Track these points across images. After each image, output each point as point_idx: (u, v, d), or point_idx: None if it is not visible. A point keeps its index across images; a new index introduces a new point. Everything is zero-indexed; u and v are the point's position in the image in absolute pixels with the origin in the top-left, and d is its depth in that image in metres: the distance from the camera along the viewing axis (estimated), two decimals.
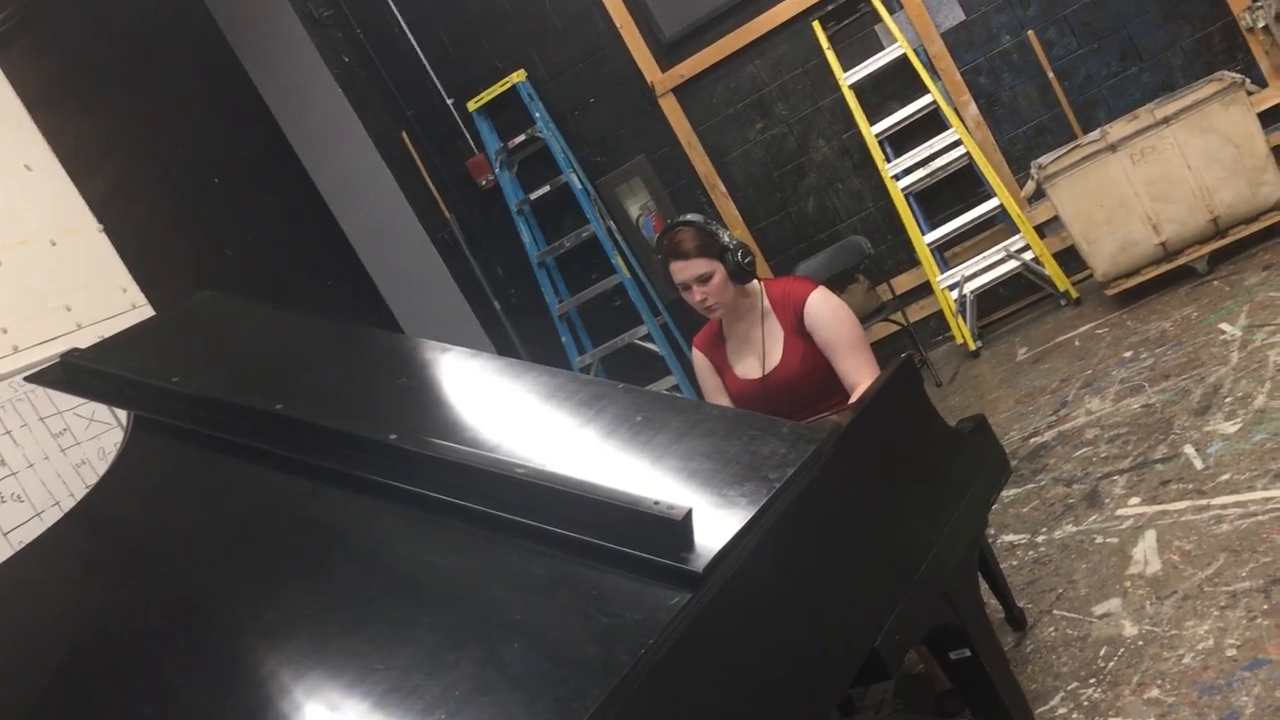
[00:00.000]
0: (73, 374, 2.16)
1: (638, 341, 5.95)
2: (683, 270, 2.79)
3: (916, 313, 5.87)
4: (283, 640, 1.53)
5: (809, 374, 2.81)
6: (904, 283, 5.86)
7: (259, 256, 6.44)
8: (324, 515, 1.82)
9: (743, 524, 1.69)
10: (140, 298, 3.80)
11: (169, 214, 6.44)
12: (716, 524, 1.70)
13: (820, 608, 1.83)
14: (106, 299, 3.66)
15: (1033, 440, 4.16)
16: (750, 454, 1.87)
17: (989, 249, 5.62)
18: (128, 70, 6.15)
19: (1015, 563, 3.37)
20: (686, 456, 1.88)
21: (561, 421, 2.00)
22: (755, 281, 2.89)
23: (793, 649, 1.72)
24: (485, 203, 6.28)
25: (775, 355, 2.85)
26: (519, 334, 6.27)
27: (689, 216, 2.85)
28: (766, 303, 2.88)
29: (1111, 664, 2.66)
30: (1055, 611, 3.00)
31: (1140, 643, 2.68)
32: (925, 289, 5.80)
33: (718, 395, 2.98)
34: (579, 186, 5.95)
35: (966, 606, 2.12)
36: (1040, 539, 3.43)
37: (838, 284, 5.67)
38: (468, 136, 6.23)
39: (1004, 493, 3.87)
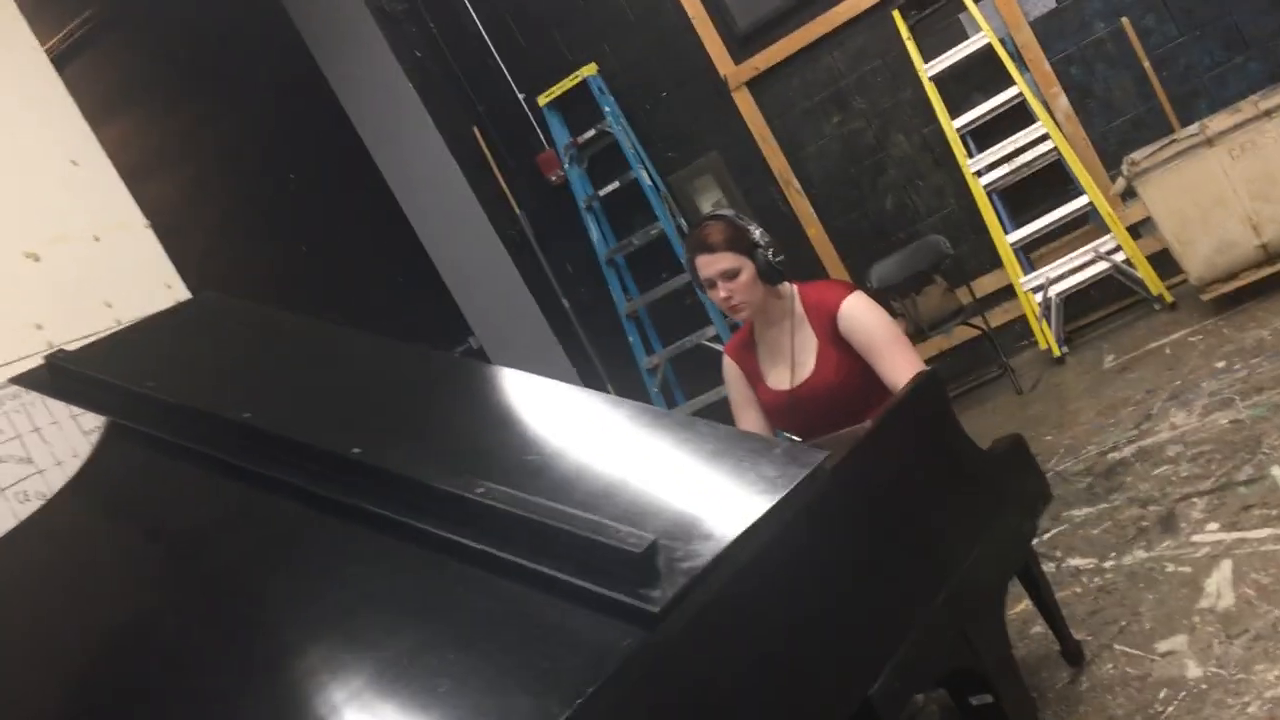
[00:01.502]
0: (56, 376, 2.10)
1: (705, 343, 5.78)
2: (708, 265, 2.62)
3: (1000, 316, 5.58)
4: (196, 681, 1.43)
5: (845, 385, 2.62)
6: (985, 285, 5.58)
7: (331, 252, 6.46)
8: (272, 534, 1.71)
9: (712, 557, 1.53)
10: (185, 295, 3.77)
11: (245, 210, 6.50)
12: (684, 556, 1.54)
13: (803, 650, 1.66)
14: (149, 296, 3.63)
15: (1110, 456, 3.89)
16: (736, 478, 1.71)
17: (1077, 250, 5.31)
18: (204, 67, 6.21)
19: (1079, 590, 3.13)
20: (666, 479, 1.72)
21: (542, 438, 1.87)
22: (788, 285, 2.71)
23: (767, 697, 1.55)
24: (555, 199, 6.18)
25: (808, 365, 2.66)
26: (588, 333, 6.15)
27: (719, 211, 2.69)
28: (799, 308, 2.70)
29: (1170, 709, 2.43)
30: (1116, 646, 2.76)
31: (1204, 686, 2.44)
32: (1008, 292, 5.51)
33: (747, 406, 2.81)
34: (648, 183, 5.81)
35: (988, 648, 1.92)
36: (1109, 565, 3.18)
37: (914, 285, 5.43)
38: (538, 131, 6.13)
39: (1075, 512, 3.63)
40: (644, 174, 5.81)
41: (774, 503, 1.64)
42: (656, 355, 5.99)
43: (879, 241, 5.77)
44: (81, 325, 3.38)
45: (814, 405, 2.65)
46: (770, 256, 2.59)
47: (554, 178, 6.08)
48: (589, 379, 6.09)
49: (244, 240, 6.55)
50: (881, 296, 5.54)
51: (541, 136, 6.14)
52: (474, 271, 6.05)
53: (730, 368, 2.84)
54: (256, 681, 1.41)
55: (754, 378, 2.78)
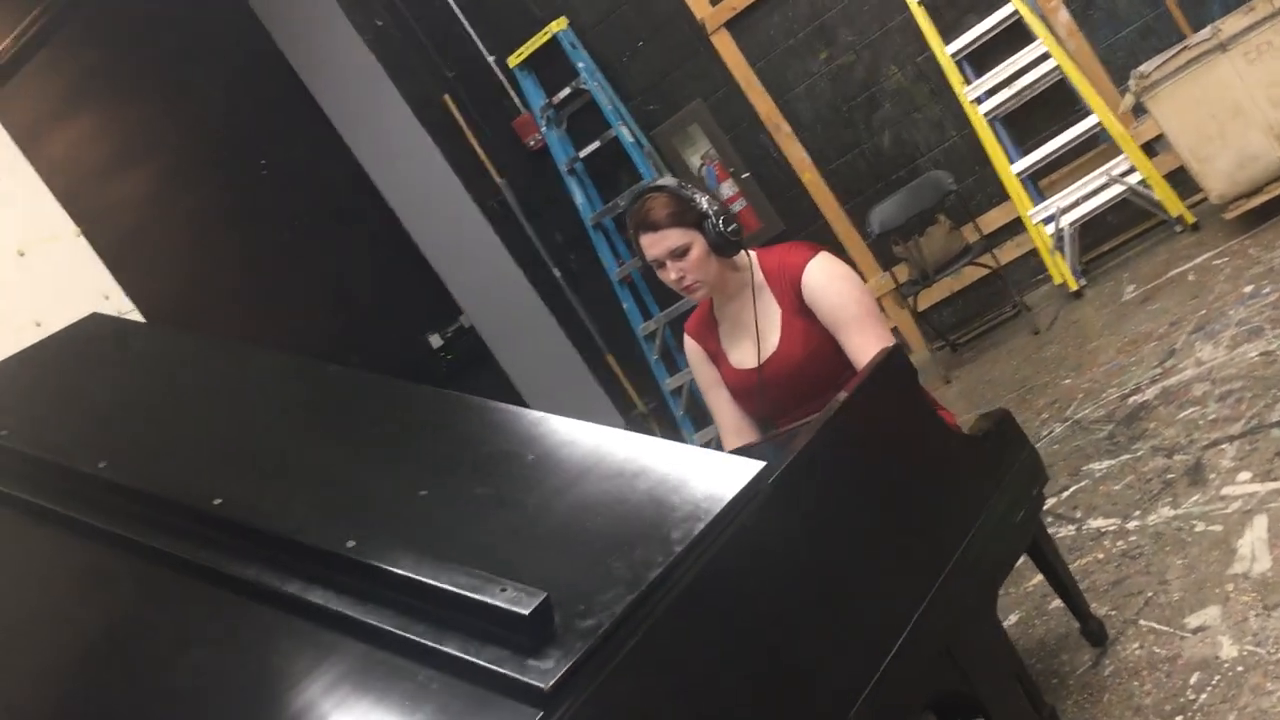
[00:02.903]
0: None
1: None
2: (654, 244, 2.34)
3: (1011, 251, 5.25)
4: None
5: (813, 359, 2.34)
6: (994, 220, 5.24)
7: (313, 238, 6.22)
8: (121, 604, 1.48)
9: (618, 614, 1.28)
10: (126, 304, 3.55)
11: (221, 201, 6.27)
12: (586, 612, 1.29)
13: (755, 697, 1.40)
14: (86, 309, 3.38)
15: (1132, 399, 3.59)
16: (655, 503, 1.45)
17: (1089, 174, 4.96)
18: (161, 56, 5.95)
19: (1101, 556, 2.86)
20: (575, 510, 1.47)
21: (441, 468, 1.62)
22: (745, 253, 2.42)
23: None
24: (536, 165, 5.88)
25: (772, 340, 2.38)
26: (582, 301, 5.88)
27: (660, 181, 2.41)
28: (759, 277, 2.41)
29: (1203, 696, 2.16)
30: (1142, 622, 2.49)
31: (1239, 668, 2.16)
32: (1018, 225, 5.18)
33: (716, 388, 2.54)
34: (630, 140, 5.50)
35: (980, 666, 1.66)
36: (1132, 525, 2.90)
37: (917, 226, 5.11)
38: (512, 95, 5.83)
39: (1095, 465, 3.35)
40: (624, 131, 5.50)
41: (697, 533, 1.38)
42: (653, 320, 5.72)
43: (878, 182, 5.44)
44: (7, 348, 3.15)
45: (782, 382, 2.37)
46: (721, 227, 2.31)
47: (532, 142, 5.78)
48: (586, 350, 5.84)
49: (223, 232, 6.31)
50: (883, 241, 5.24)
51: (516, 100, 5.83)
52: (458, 247, 5.80)
53: (693, 349, 2.57)
54: None
55: (717, 358, 2.51)
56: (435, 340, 6.06)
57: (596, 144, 5.63)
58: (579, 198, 5.71)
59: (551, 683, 1.20)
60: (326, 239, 6.13)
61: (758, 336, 2.39)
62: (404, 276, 6.02)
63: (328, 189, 6.06)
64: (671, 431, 5.87)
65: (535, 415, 1.65)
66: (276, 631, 1.40)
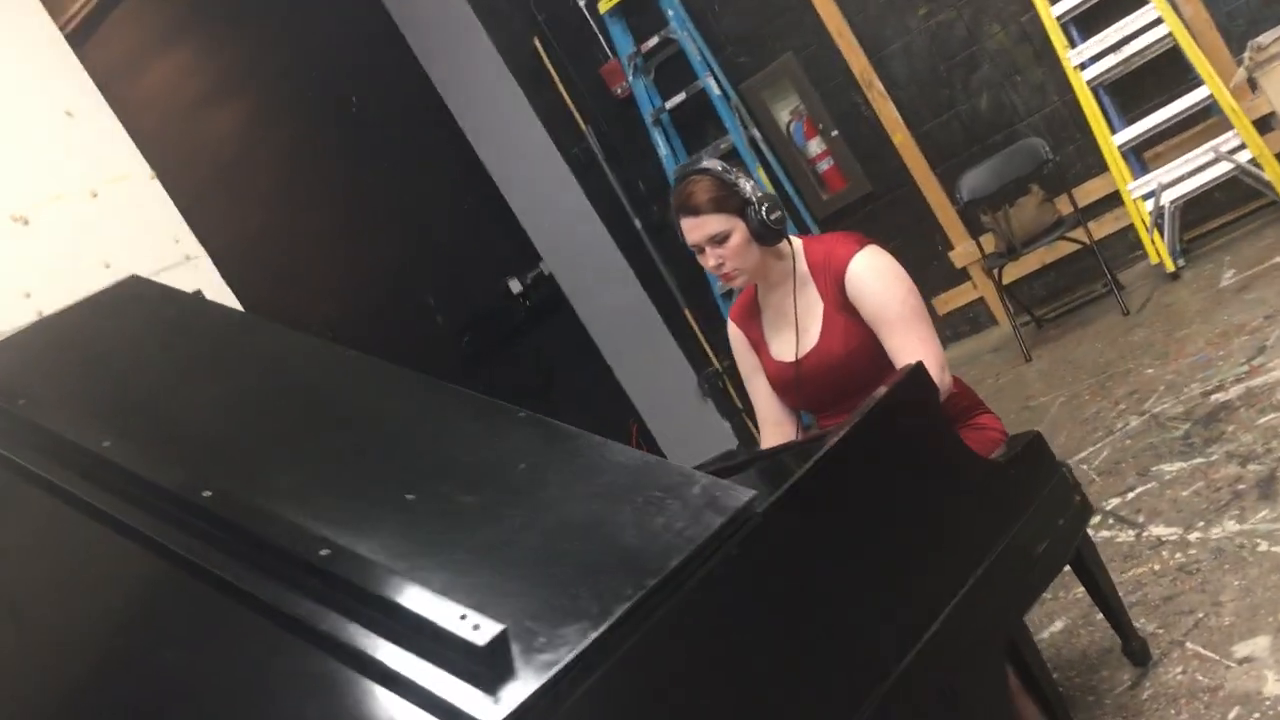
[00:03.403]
0: None
1: None
2: (694, 229, 2.27)
3: (1108, 225, 5.02)
4: None
5: (853, 356, 2.25)
6: (1091, 191, 5.01)
7: (397, 178, 6.23)
8: (102, 585, 1.51)
9: (580, 647, 1.24)
10: (196, 248, 3.60)
11: (309, 137, 6.31)
12: (547, 644, 1.26)
13: None
14: (155, 252, 3.46)
15: (1214, 397, 3.42)
16: (637, 528, 1.41)
17: (1195, 149, 4.69)
18: None
19: (1158, 567, 2.74)
20: (556, 530, 1.44)
21: (430, 468, 1.60)
22: (789, 242, 2.34)
23: None
24: (621, 113, 5.80)
25: (812, 334, 2.30)
26: (662, 255, 5.81)
27: (704, 163, 2.32)
28: (803, 267, 2.33)
29: None
30: (1189, 645, 2.38)
31: None
32: (1116, 199, 4.94)
33: (756, 376, 2.47)
34: (717, 92, 5.37)
35: (987, 709, 1.59)
36: (1194, 537, 2.77)
37: (1008, 195, 4.91)
38: (601, 41, 5.73)
39: (1166, 467, 3.20)
40: (712, 83, 5.38)
41: (672, 566, 1.34)
42: None
43: (972, 146, 5.24)
44: (77, 290, 3.19)
45: (820, 378, 2.30)
46: (764, 214, 2.22)
47: (619, 90, 5.69)
48: (664, 303, 5.78)
49: (307, 171, 6.36)
50: (972, 208, 5.05)
51: (605, 46, 5.74)
52: (540, 193, 5.77)
53: (735, 335, 2.50)
54: None
55: (759, 347, 2.44)
56: (515, 285, 6.06)
57: (683, 95, 5.51)
58: (663, 149, 5.62)
59: (502, 718, 1.18)
60: (410, 179, 6.14)
61: (797, 329, 2.31)
62: (486, 220, 6.01)
63: (414, 129, 6.06)
64: (742, 393, 5.80)
65: (536, 421, 1.62)
66: (246, 632, 1.40)
